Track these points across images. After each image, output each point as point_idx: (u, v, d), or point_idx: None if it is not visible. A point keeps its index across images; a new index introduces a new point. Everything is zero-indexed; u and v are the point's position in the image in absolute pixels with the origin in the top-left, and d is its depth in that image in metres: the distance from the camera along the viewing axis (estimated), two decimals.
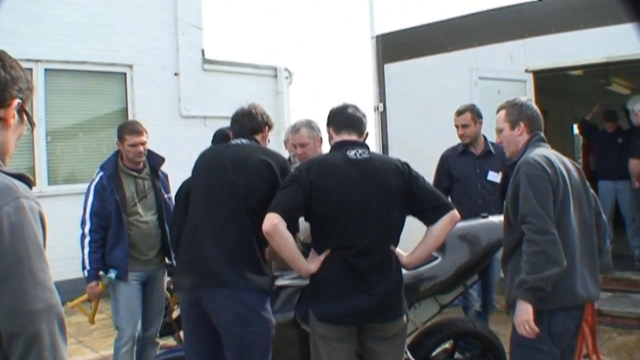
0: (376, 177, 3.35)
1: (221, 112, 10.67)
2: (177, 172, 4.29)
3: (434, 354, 4.39)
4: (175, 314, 6.70)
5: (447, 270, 4.08)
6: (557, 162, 3.46)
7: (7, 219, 1.64)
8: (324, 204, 3.24)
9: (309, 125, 4.69)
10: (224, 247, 3.48)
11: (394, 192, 3.37)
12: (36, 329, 1.63)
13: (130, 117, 9.82)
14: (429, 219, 3.43)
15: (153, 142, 9.22)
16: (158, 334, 5.34)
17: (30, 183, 1.80)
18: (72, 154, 9.26)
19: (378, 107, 9.89)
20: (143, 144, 5.07)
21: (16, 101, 1.84)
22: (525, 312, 3.22)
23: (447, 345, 4.54)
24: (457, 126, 5.84)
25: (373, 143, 9.96)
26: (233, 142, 3.90)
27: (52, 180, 9.28)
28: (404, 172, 3.44)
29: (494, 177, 5.59)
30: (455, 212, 3.43)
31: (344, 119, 3.55)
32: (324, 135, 4.08)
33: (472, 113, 5.75)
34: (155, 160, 5.25)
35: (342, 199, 3.26)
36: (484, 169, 5.71)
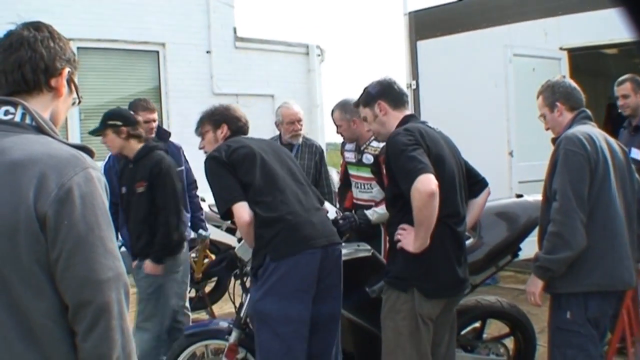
0: (455, 149, 3.47)
1: (253, 90, 10.71)
2: None
3: (462, 333, 4.37)
4: (207, 289, 6.81)
5: (480, 251, 4.01)
6: (599, 141, 3.39)
7: (78, 189, 1.64)
8: (439, 170, 3.10)
9: (343, 107, 4.92)
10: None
11: (462, 162, 3.48)
12: (106, 297, 1.65)
13: (163, 95, 9.86)
14: (473, 192, 3.53)
15: (185, 119, 9.33)
16: (188, 306, 5.37)
17: (92, 154, 1.79)
18: None
19: (411, 85, 9.78)
20: (154, 120, 5.30)
21: (67, 70, 1.86)
22: (534, 285, 3.44)
23: (476, 324, 4.53)
24: (616, 97, 5.62)
25: None
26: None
27: None
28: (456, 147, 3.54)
29: (637, 154, 5.21)
30: (489, 188, 3.59)
31: (400, 94, 3.54)
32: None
33: (633, 83, 5.45)
34: (163, 135, 5.47)
35: (449, 167, 3.25)
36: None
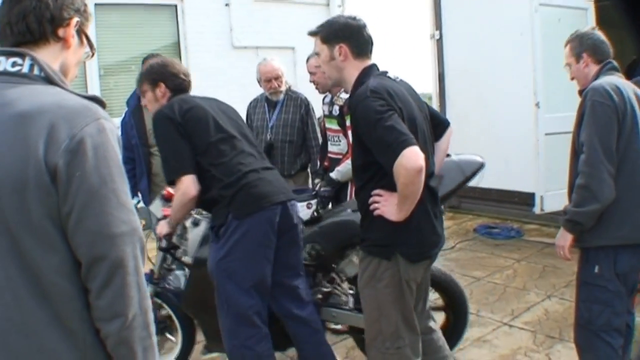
0: (419, 99, 3.25)
1: (273, 42, 10.58)
2: (230, 102, 4.21)
3: None
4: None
5: None
6: (627, 92, 3.29)
7: (90, 140, 1.58)
8: (413, 133, 2.92)
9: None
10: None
11: (427, 111, 3.30)
12: (121, 252, 1.60)
13: (182, 50, 9.79)
14: (435, 135, 3.36)
15: (205, 73, 9.27)
16: None
17: (104, 105, 1.73)
18: (124, 88, 9.25)
19: (434, 35, 9.60)
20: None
21: (75, 20, 1.78)
22: (563, 239, 3.38)
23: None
24: None
25: (429, 72, 9.76)
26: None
27: None
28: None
29: None
30: (451, 129, 3.46)
31: (367, 42, 3.17)
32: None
33: None
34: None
35: (420, 125, 3.08)
36: None
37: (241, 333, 3.53)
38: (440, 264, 6.72)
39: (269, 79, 5.60)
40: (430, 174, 3.08)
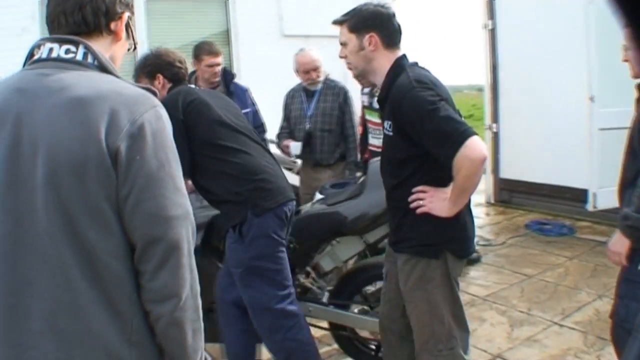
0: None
1: (324, 31, 10.46)
2: (280, 90, 4.19)
3: (364, 293, 4.22)
4: None
5: (364, 208, 3.89)
6: None
7: (149, 126, 1.63)
8: None
9: None
10: None
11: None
12: (177, 234, 1.64)
13: (232, 39, 9.78)
14: None
15: (255, 62, 9.25)
16: None
17: (156, 95, 1.78)
18: None
19: (487, 25, 9.41)
20: (218, 65, 5.25)
21: (126, 14, 1.85)
22: (620, 244, 3.07)
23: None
24: None
25: (482, 63, 9.58)
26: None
27: None
28: None
29: None
30: None
31: (398, 31, 3.01)
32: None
33: None
34: (227, 77, 5.43)
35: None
36: None
37: (281, 327, 3.49)
38: (491, 260, 6.63)
39: (307, 70, 5.57)
40: None
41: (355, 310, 4.09)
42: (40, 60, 1.69)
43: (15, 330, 1.56)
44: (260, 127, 5.50)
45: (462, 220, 2.91)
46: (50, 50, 1.70)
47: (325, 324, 4.26)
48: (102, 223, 1.58)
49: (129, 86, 1.71)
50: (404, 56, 3.01)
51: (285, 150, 5.67)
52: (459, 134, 2.58)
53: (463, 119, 2.78)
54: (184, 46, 8.93)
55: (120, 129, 1.57)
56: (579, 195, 7.70)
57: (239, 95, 5.38)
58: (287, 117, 5.68)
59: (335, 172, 5.73)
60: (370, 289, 4.21)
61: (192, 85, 3.82)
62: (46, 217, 1.55)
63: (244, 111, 5.26)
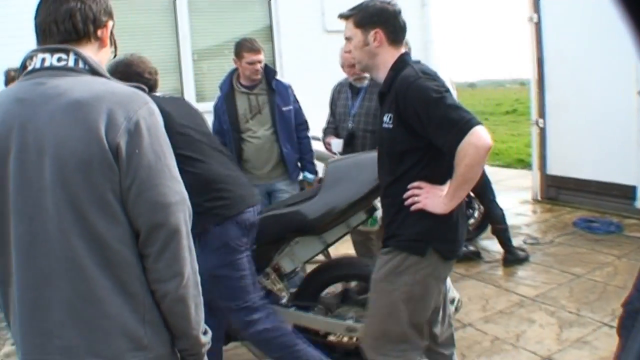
0: None
1: None
2: (323, 86, 4.14)
3: (324, 294, 4.19)
4: None
5: (320, 208, 3.83)
6: None
7: (144, 122, 1.78)
8: None
9: None
10: None
11: None
12: (176, 218, 1.80)
13: (274, 34, 9.77)
14: None
15: (298, 58, 9.21)
16: None
17: (146, 92, 1.94)
18: (218, 72, 9.33)
19: (532, 18, 9.23)
20: (260, 62, 5.19)
21: (110, 22, 1.99)
22: None
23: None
24: None
25: (527, 57, 9.41)
26: None
27: (199, 98, 9.48)
28: None
29: None
30: None
31: (402, 28, 3.02)
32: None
33: None
34: (269, 74, 5.35)
35: None
36: None
37: (251, 321, 3.61)
38: (539, 259, 6.51)
39: (352, 64, 5.42)
40: None
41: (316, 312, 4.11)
42: (34, 70, 1.81)
43: (39, 321, 1.73)
44: (302, 125, 5.47)
45: (455, 221, 2.88)
46: (43, 60, 1.82)
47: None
48: (109, 213, 1.73)
49: (121, 86, 1.85)
50: (407, 53, 3.04)
51: (327, 147, 5.61)
52: (466, 122, 2.58)
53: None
54: (226, 42, 8.97)
55: (118, 127, 1.72)
56: (627, 192, 7.54)
57: (281, 92, 5.33)
58: (333, 113, 5.61)
59: None
60: (332, 289, 4.28)
61: (158, 94, 3.88)
62: (57, 214, 1.70)
63: (286, 108, 5.25)
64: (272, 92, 5.26)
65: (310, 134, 5.65)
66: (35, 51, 1.84)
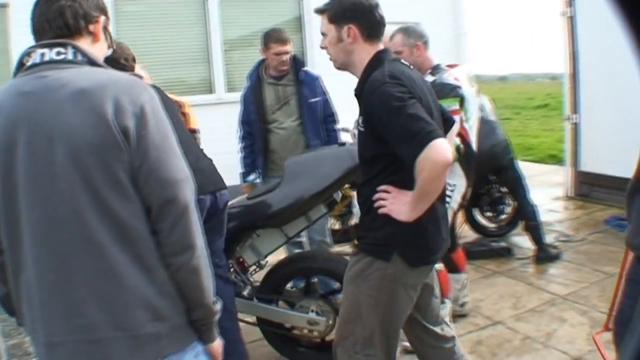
0: (432, 91, 2.98)
1: (398, 17, 10.27)
2: (353, 77, 4.04)
3: (287, 287, 4.27)
4: (353, 221, 6.81)
5: (279, 201, 3.90)
6: None
7: (148, 105, 1.88)
8: None
9: (405, 31, 4.48)
10: None
11: (437, 104, 3.03)
12: (184, 194, 1.90)
13: (304, 25, 9.73)
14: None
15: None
16: (329, 240, 5.56)
17: (141, 79, 2.08)
18: (248, 63, 9.33)
19: (566, 12, 9.07)
20: (287, 53, 5.15)
21: (102, 18, 2.08)
22: None
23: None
24: None
25: (560, 51, 9.25)
26: None
27: (229, 88, 9.47)
28: None
29: None
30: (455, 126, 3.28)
31: (379, 24, 2.88)
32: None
33: None
34: (297, 65, 5.32)
35: (433, 116, 2.76)
36: None
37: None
38: (571, 257, 6.41)
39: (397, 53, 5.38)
40: None
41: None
42: (34, 65, 1.89)
43: (60, 302, 1.81)
44: (330, 117, 5.42)
45: (423, 227, 2.75)
46: (42, 54, 1.90)
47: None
48: (122, 192, 1.83)
49: (121, 74, 1.98)
50: (386, 50, 2.90)
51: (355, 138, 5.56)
52: (425, 134, 2.43)
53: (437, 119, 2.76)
54: (255, 33, 8.93)
55: (125, 111, 1.82)
56: None
57: (309, 83, 5.28)
58: None
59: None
60: (297, 283, 4.38)
61: None
62: (72, 196, 1.79)
63: (313, 100, 5.20)
64: (300, 84, 5.22)
65: (340, 125, 5.57)
66: (33, 47, 1.93)
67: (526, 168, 7.62)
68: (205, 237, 2.02)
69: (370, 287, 2.81)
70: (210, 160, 3.87)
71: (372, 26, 2.84)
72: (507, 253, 6.66)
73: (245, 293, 4.15)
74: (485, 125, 6.35)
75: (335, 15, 2.87)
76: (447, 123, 3.12)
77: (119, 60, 3.78)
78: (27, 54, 1.92)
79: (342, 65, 2.96)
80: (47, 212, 1.79)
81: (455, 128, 3.24)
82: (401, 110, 2.50)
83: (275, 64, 5.15)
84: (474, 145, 4.55)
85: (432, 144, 2.39)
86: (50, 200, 1.79)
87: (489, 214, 7.28)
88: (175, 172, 1.90)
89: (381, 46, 2.89)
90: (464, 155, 4.35)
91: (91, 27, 2.03)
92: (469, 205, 7.10)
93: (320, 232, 5.30)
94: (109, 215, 1.81)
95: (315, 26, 9.55)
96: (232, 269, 4.19)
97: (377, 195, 2.75)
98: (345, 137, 5.75)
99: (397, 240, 2.75)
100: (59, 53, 1.91)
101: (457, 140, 4.18)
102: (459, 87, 4.31)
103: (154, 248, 1.89)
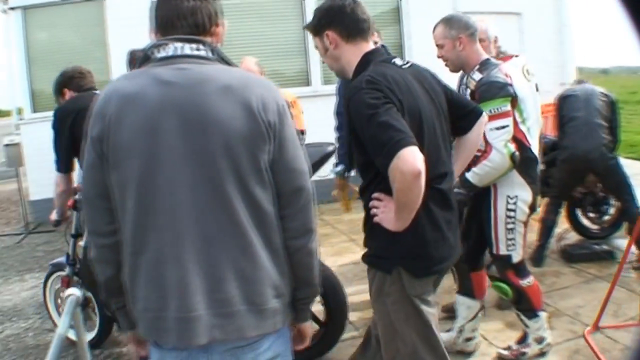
0: (433, 87, 2.82)
1: (498, 7, 10.06)
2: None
3: None
4: None
5: None
6: None
7: (284, 104, 2.10)
8: (417, 127, 2.58)
9: (447, 22, 3.97)
10: None
11: (443, 101, 2.85)
12: (309, 183, 2.13)
13: (403, 15, 9.63)
14: (462, 128, 3.01)
15: (427, 39, 9.00)
16: None
17: None
18: None
19: None
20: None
21: (224, 21, 2.22)
22: None
23: None
24: None
25: None
26: None
27: (325, 81, 9.49)
28: (439, 79, 2.93)
29: None
30: (484, 117, 3.03)
31: (355, 20, 2.77)
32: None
33: None
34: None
35: (428, 119, 2.67)
36: None
37: None
38: None
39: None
40: (442, 175, 2.74)
41: None
42: (170, 57, 2.04)
43: (204, 278, 1.97)
44: None
45: (422, 235, 2.64)
46: (178, 48, 2.04)
47: None
48: (262, 180, 2.03)
49: (254, 75, 2.20)
50: (375, 50, 2.84)
51: None
52: (393, 144, 2.34)
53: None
54: None
55: (270, 107, 2.02)
56: None
57: None
58: None
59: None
60: None
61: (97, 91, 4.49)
62: (221, 181, 1.96)
63: None
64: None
65: None
66: (165, 41, 2.07)
67: (629, 166, 7.23)
68: None
69: (393, 302, 2.75)
70: None
71: (349, 26, 2.79)
72: (609, 256, 6.34)
73: None
74: (585, 128, 6.06)
75: (315, 27, 2.86)
76: (469, 117, 2.99)
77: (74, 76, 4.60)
78: (157, 46, 2.06)
79: (339, 73, 2.98)
80: (193, 195, 1.96)
81: (484, 119, 2.97)
82: (372, 118, 2.43)
83: None
84: (535, 149, 4.06)
85: (400, 154, 2.31)
86: (198, 184, 1.96)
87: (591, 214, 6.98)
88: (303, 164, 2.11)
89: (370, 45, 2.84)
90: (523, 162, 3.88)
91: (214, 30, 2.18)
92: (571, 205, 6.83)
93: None
94: (250, 200, 2.01)
95: (414, 16, 9.45)
96: None
97: (370, 204, 2.70)
98: None
99: (394, 252, 2.69)
100: (197, 49, 2.06)
101: (512, 147, 3.80)
102: (509, 84, 3.81)
103: (278, 231, 2.09)
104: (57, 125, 4.32)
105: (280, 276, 2.10)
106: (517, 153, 3.82)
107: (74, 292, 2.91)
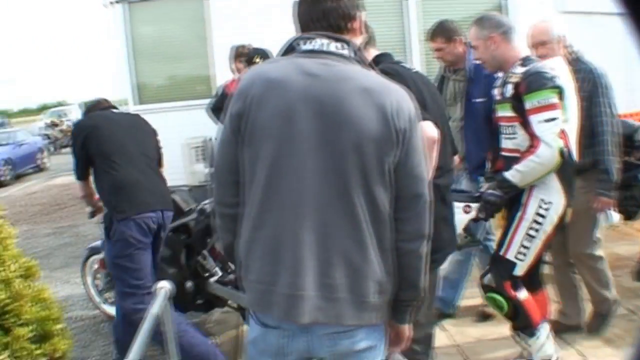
0: (436, 93, 3.26)
1: (607, 8, 9.70)
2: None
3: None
4: None
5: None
6: None
7: (415, 112, 2.16)
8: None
9: (480, 22, 3.85)
10: None
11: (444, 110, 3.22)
12: (428, 191, 2.18)
13: (509, 13, 9.44)
14: None
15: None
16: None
17: None
18: None
19: None
20: (438, 50, 4.86)
21: (362, 14, 2.29)
22: None
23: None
24: None
25: None
26: None
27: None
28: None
29: None
30: None
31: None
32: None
33: None
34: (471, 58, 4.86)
35: (429, 110, 2.94)
36: None
37: (132, 322, 3.86)
38: None
39: (533, 44, 4.50)
40: (440, 169, 2.93)
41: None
42: (314, 51, 2.15)
43: (317, 261, 2.07)
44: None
45: None
46: (324, 44, 2.15)
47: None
48: (384, 181, 2.09)
49: (389, 81, 2.21)
50: (380, 55, 3.08)
51: None
52: None
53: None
54: (456, 21, 8.82)
55: (403, 114, 2.09)
56: None
57: (480, 81, 4.64)
58: None
59: (585, 180, 4.33)
60: None
61: (115, 110, 4.87)
62: (347, 174, 2.06)
63: (478, 100, 4.65)
64: (469, 81, 4.79)
65: None
66: (313, 35, 2.18)
67: None
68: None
69: None
70: (161, 180, 4.65)
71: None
72: None
73: (213, 279, 4.77)
74: None
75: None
76: None
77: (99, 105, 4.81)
78: (303, 39, 2.19)
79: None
80: (319, 183, 2.07)
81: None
82: None
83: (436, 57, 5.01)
84: (575, 154, 3.78)
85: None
86: (325, 174, 2.06)
87: None
88: (424, 172, 2.17)
89: (377, 50, 3.17)
90: (562, 166, 3.57)
91: (350, 25, 2.25)
92: None
93: None
94: (370, 198, 2.08)
95: (513, 15, 9.30)
96: (206, 258, 4.82)
97: None
98: None
99: None
100: (342, 47, 2.16)
101: (562, 143, 3.54)
102: (556, 76, 3.58)
103: (391, 232, 2.14)
104: (73, 139, 4.63)
105: (385, 274, 2.15)
106: (566, 149, 3.59)
107: (165, 285, 3.04)
